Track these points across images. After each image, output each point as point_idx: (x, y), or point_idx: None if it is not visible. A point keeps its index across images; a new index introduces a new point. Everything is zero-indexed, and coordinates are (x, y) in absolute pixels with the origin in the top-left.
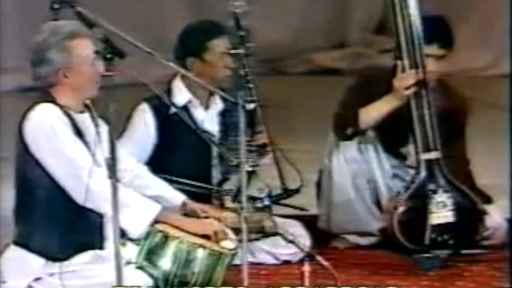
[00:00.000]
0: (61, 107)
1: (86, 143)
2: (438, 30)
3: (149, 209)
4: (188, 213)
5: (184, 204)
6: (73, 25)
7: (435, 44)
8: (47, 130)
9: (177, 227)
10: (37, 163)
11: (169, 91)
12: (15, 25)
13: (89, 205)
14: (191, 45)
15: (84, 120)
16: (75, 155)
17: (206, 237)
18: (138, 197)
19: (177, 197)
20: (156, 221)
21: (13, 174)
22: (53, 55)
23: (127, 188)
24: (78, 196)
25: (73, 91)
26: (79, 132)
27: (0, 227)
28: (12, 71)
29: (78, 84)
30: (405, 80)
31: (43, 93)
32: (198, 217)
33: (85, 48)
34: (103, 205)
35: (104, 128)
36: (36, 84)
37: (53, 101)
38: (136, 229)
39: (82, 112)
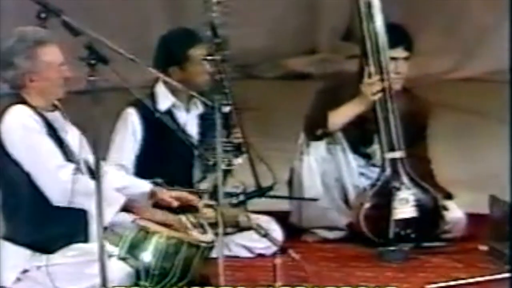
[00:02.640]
0: (32, 107)
1: (60, 138)
2: (401, 35)
3: (115, 200)
4: (159, 202)
5: (152, 193)
6: (40, 32)
7: (400, 47)
8: (20, 130)
9: (157, 223)
10: (15, 163)
11: (152, 95)
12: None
13: (63, 201)
14: (172, 55)
15: (56, 117)
16: (48, 156)
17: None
18: (106, 190)
19: (144, 187)
20: (126, 209)
21: None
22: (20, 61)
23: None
24: (53, 193)
25: (40, 94)
26: (52, 129)
27: None
28: None
29: (43, 88)
30: (372, 86)
31: (16, 96)
32: (169, 205)
33: (51, 55)
34: (77, 200)
35: (72, 127)
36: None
37: (24, 102)
38: (105, 218)
39: (53, 111)
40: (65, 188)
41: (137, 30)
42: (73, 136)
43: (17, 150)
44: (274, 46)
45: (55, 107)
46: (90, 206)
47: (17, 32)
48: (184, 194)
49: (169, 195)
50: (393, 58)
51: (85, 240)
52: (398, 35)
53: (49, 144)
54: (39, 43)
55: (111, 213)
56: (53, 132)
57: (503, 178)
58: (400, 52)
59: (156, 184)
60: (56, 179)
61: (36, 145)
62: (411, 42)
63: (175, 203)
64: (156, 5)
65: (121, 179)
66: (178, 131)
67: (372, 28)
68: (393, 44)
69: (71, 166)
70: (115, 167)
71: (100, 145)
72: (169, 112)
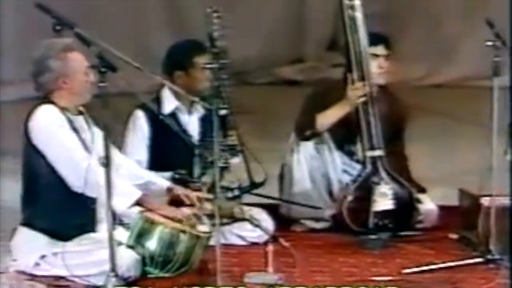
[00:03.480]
0: (60, 108)
1: (81, 140)
2: (382, 35)
3: (132, 193)
4: (174, 197)
5: (169, 189)
6: (67, 40)
7: (381, 45)
8: (48, 126)
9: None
10: (40, 155)
11: (158, 99)
12: (17, 41)
13: (83, 187)
14: (178, 61)
15: (80, 121)
16: (72, 147)
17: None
18: (124, 183)
19: (163, 183)
20: (138, 204)
21: (13, 169)
22: (53, 64)
23: (118, 178)
24: (74, 182)
25: (70, 96)
26: (75, 130)
27: (1, 216)
28: (15, 83)
29: (74, 90)
30: (357, 91)
31: (44, 98)
32: (181, 201)
33: (78, 60)
34: (94, 189)
35: (95, 130)
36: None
37: (53, 103)
38: (120, 207)
39: (77, 115)
40: (85, 177)
41: (143, 41)
42: (97, 136)
43: (43, 143)
44: (267, 56)
45: (79, 112)
46: (103, 195)
47: (45, 42)
48: (194, 194)
49: (183, 193)
50: (376, 55)
51: (94, 230)
52: (379, 36)
53: (73, 138)
54: (67, 48)
55: (126, 204)
56: (76, 131)
57: (471, 174)
58: (381, 50)
59: (179, 174)
60: (78, 168)
61: (61, 139)
62: (391, 43)
63: (188, 201)
64: (161, 18)
65: (142, 174)
66: (180, 131)
67: (355, 39)
68: (375, 42)
69: (92, 159)
70: (134, 161)
71: (110, 143)
72: (173, 115)
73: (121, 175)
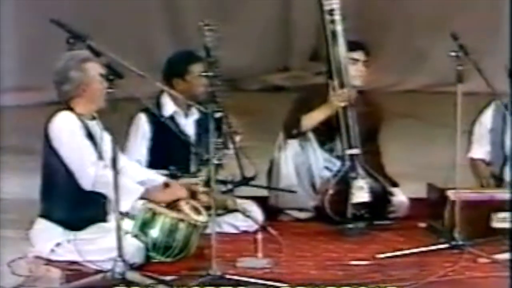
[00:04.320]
0: (77, 114)
1: (94, 143)
2: (361, 42)
3: (134, 191)
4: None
5: (166, 184)
6: (85, 53)
7: (360, 51)
8: (66, 130)
9: (164, 206)
10: (57, 156)
11: (158, 104)
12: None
13: (92, 188)
14: (176, 68)
15: (94, 126)
16: (84, 153)
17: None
18: (128, 182)
19: (159, 179)
20: (144, 198)
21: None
22: (74, 74)
23: (123, 177)
24: (84, 183)
25: (88, 103)
26: (90, 134)
27: (0, 208)
28: (36, 89)
29: (91, 97)
30: (340, 96)
31: (63, 104)
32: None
33: (96, 70)
34: (103, 188)
35: (106, 134)
36: (52, 97)
37: (71, 109)
38: (124, 205)
39: (92, 120)
40: (93, 179)
41: (145, 50)
42: (106, 140)
43: (61, 146)
44: (257, 65)
45: (93, 118)
46: (111, 193)
47: (66, 54)
48: (189, 183)
49: (179, 184)
50: (355, 60)
51: (104, 220)
52: (359, 43)
53: (87, 144)
54: (86, 59)
55: (131, 201)
56: (90, 136)
57: (437, 170)
58: (360, 55)
59: (170, 170)
60: (88, 172)
61: (77, 144)
62: (369, 50)
63: (185, 193)
64: (163, 29)
65: (142, 173)
66: (178, 132)
67: (335, 51)
68: (355, 48)
69: (101, 163)
70: (135, 162)
71: (117, 143)
72: (172, 117)
73: (124, 174)
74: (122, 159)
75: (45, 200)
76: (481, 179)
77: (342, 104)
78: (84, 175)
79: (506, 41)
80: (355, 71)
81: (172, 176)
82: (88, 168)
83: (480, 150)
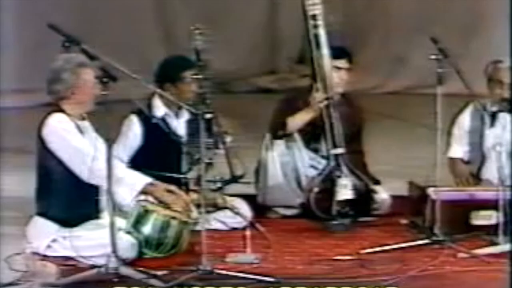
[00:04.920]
0: (68, 115)
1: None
2: (345, 51)
3: (137, 183)
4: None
5: (151, 184)
6: (82, 57)
7: (344, 59)
8: (61, 130)
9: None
10: (53, 156)
11: (149, 106)
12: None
13: (91, 181)
14: (169, 74)
15: (85, 126)
16: (81, 147)
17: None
18: (132, 175)
19: (146, 180)
20: (144, 193)
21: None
22: (67, 77)
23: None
24: (84, 175)
25: (77, 105)
26: (81, 133)
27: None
28: (32, 91)
29: (81, 100)
30: (320, 98)
31: (55, 106)
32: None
33: (89, 75)
34: (101, 181)
35: (94, 134)
36: (48, 99)
37: (62, 111)
38: (127, 197)
39: (82, 120)
40: (93, 172)
41: (140, 54)
42: (96, 139)
43: (57, 146)
44: (245, 68)
45: (83, 118)
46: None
47: (63, 56)
48: (174, 188)
49: (164, 187)
50: (338, 68)
51: (98, 217)
52: (342, 50)
53: (83, 141)
54: (81, 64)
55: (131, 195)
56: (82, 134)
57: (418, 168)
58: (343, 63)
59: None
60: (89, 166)
61: (71, 141)
62: (352, 57)
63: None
64: (155, 34)
65: (128, 173)
66: (170, 133)
67: (319, 54)
68: (338, 56)
69: (100, 159)
70: (121, 162)
71: (111, 143)
72: (163, 119)
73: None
74: (120, 167)
75: (40, 199)
76: (459, 178)
77: (322, 105)
78: (83, 167)
79: (483, 44)
80: (338, 78)
81: (157, 178)
82: (87, 161)
83: (459, 149)
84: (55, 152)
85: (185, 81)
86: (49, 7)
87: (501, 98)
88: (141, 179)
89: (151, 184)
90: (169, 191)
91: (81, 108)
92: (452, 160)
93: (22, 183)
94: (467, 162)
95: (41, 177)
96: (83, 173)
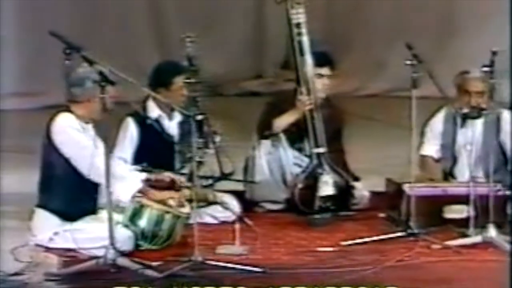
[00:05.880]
0: (76, 116)
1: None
2: (328, 58)
3: (135, 183)
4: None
5: (146, 179)
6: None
7: (326, 66)
8: (68, 129)
9: (151, 198)
10: (58, 153)
11: (144, 108)
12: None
13: (93, 177)
14: (162, 79)
15: (88, 128)
16: (85, 145)
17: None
18: (131, 174)
19: (141, 176)
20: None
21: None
22: (90, 86)
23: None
24: (86, 172)
25: (87, 110)
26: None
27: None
28: (33, 94)
29: (93, 108)
30: (304, 101)
31: (64, 106)
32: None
33: (109, 92)
34: (100, 178)
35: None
36: (49, 102)
37: (71, 112)
38: (125, 195)
39: (86, 123)
40: (96, 169)
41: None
42: (96, 139)
43: (63, 143)
44: (234, 72)
45: (87, 122)
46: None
47: (86, 65)
48: (167, 174)
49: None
50: (321, 75)
51: (96, 212)
52: (325, 58)
53: (85, 139)
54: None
55: (130, 192)
56: (84, 134)
57: (395, 166)
58: (326, 71)
59: (142, 166)
60: (92, 162)
61: (77, 139)
62: (334, 64)
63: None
64: (149, 39)
65: (126, 170)
66: (163, 133)
67: (302, 60)
68: (321, 64)
69: (101, 157)
70: (119, 160)
71: (109, 142)
72: (157, 120)
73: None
74: (120, 167)
75: (43, 193)
76: (429, 174)
77: (307, 108)
78: (86, 164)
79: (457, 49)
80: (321, 84)
81: (145, 171)
82: (88, 157)
83: (430, 148)
84: (60, 149)
85: (177, 85)
86: (45, 13)
87: (470, 106)
88: (138, 180)
89: (147, 180)
90: (164, 188)
91: (90, 114)
92: (423, 157)
93: (22, 181)
94: (437, 160)
95: (44, 173)
96: (85, 170)
